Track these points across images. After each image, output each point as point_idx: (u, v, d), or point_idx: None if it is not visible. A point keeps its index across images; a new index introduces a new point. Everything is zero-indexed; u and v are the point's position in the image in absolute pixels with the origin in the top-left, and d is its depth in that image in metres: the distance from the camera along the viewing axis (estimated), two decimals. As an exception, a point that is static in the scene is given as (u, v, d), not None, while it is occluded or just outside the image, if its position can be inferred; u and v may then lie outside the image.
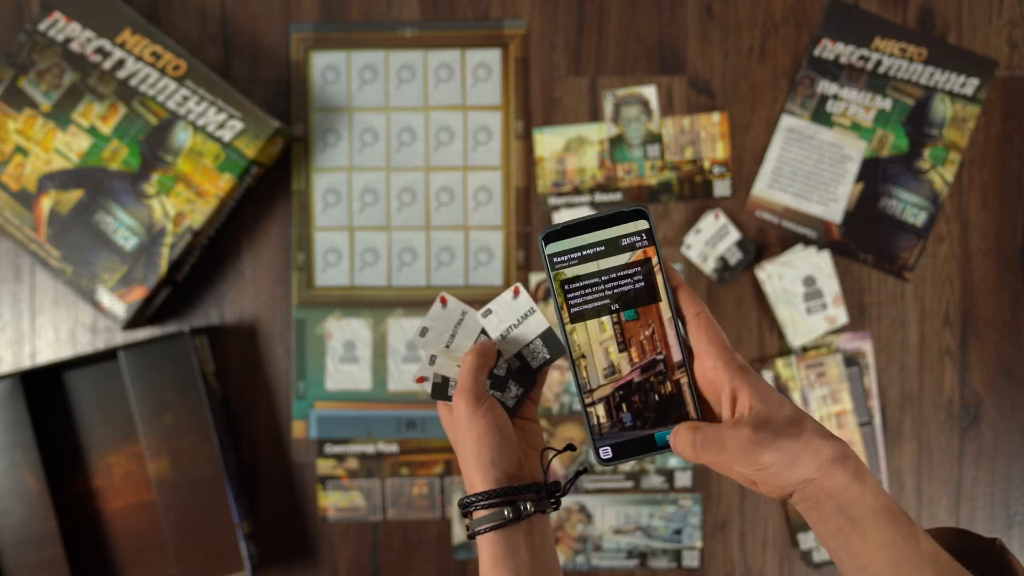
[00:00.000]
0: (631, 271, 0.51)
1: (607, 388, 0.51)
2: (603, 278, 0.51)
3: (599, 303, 0.51)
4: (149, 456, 0.92)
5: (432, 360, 0.58)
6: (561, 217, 1.00)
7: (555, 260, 0.51)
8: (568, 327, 0.51)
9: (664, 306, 0.52)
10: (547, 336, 0.58)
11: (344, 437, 1.00)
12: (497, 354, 0.58)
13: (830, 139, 1.00)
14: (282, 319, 1.01)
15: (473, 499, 0.53)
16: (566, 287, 0.51)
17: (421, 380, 0.58)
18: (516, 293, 0.57)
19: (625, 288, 0.51)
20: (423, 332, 0.58)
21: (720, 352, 0.49)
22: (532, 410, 0.60)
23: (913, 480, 1.00)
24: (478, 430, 0.54)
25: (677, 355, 0.51)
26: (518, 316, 0.58)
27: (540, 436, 0.59)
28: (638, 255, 0.51)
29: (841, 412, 0.99)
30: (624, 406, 0.51)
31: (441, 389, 0.58)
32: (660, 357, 0.51)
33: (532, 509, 0.53)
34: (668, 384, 0.51)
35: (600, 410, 0.51)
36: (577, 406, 1.00)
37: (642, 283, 0.51)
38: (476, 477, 0.54)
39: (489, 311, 0.58)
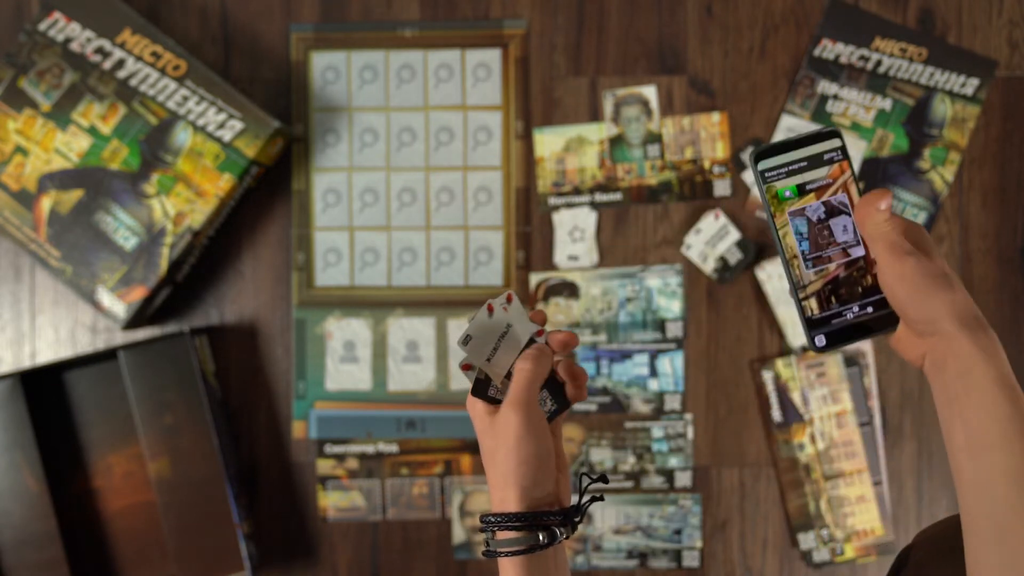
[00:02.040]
0: (829, 181, 0.56)
1: (817, 283, 0.56)
2: (807, 188, 0.56)
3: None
4: (149, 456, 0.92)
5: (466, 340, 0.56)
6: (561, 217, 1.00)
7: (766, 175, 0.56)
8: (781, 231, 0.56)
9: None
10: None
11: (344, 437, 1.00)
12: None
13: (830, 139, 1.00)
14: (282, 319, 1.01)
15: (499, 519, 0.52)
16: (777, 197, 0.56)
17: (467, 368, 0.57)
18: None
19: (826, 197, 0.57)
20: (466, 340, 0.56)
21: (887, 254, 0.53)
22: (559, 428, 0.58)
23: (913, 480, 1.00)
24: (528, 450, 0.52)
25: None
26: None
27: (564, 455, 0.58)
28: (835, 169, 0.56)
29: (841, 412, 0.99)
30: (833, 298, 0.55)
31: (482, 387, 0.56)
32: (860, 253, 0.56)
33: (564, 535, 0.52)
34: (868, 278, 0.56)
35: (813, 303, 0.56)
36: (578, 406, 1.00)
37: (840, 191, 0.56)
38: (510, 495, 0.52)
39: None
